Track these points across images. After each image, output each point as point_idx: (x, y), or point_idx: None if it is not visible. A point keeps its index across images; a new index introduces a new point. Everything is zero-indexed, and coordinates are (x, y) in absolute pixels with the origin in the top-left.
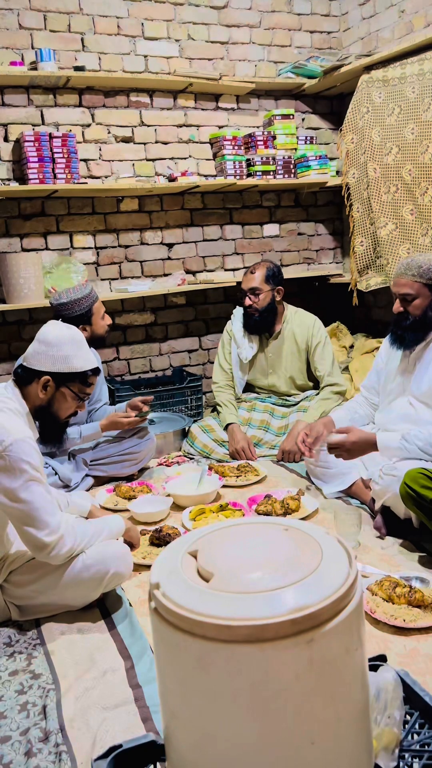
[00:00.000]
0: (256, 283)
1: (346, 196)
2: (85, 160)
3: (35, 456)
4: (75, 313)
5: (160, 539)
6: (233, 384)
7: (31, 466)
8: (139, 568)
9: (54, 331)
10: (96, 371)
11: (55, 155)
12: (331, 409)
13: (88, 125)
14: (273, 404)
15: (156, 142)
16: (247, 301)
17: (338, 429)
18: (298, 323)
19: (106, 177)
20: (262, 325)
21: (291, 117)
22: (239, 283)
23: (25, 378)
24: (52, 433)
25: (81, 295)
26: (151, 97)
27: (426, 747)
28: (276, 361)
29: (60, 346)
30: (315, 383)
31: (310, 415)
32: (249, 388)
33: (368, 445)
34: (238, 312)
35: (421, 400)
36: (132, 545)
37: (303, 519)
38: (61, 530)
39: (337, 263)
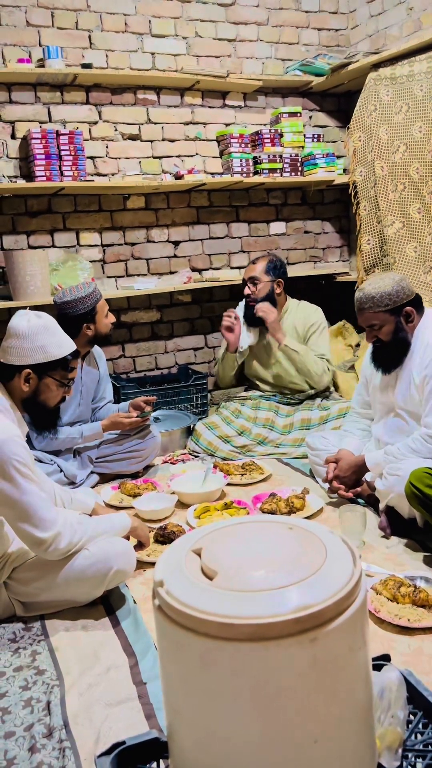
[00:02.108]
0: (256, 273)
1: (353, 194)
2: (91, 158)
3: (24, 454)
4: (78, 312)
5: (165, 537)
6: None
7: (21, 463)
8: (143, 565)
9: (24, 322)
10: (75, 354)
11: (62, 153)
12: (310, 360)
13: (95, 123)
14: (278, 402)
15: (163, 139)
16: (246, 291)
17: (327, 459)
18: (300, 313)
19: (112, 174)
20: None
21: (298, 115)
22: (245, 281)
23: (5, 374)
24: (44, 422)
25: (85, 293)
26: (158, 94)
27: (429, 747)
28: (278, 352)
29: (34, 337)
30: None
31: (291, 341)
32: (254, 386)
33: (360, 467)
34: (242, 303)
35: (409, 411)
36: (141, 544)
37: (307, 518)
38: (58, 526)
39: (343, 261)
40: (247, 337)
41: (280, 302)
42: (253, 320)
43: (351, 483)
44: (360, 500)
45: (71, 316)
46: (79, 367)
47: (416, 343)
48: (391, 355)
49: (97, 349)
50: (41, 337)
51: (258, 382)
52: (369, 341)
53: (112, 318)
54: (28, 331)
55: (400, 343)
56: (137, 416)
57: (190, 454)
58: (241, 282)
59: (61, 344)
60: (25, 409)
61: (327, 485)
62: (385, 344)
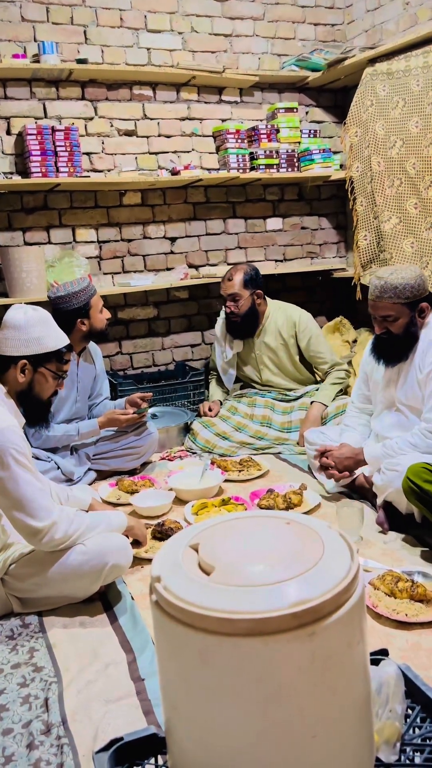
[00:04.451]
0: (236, 289)
1: (349, 189)
2: (87, 154)
3: (21, 443)
4: (73, 307)
5: (163, 533)
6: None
7: (18, 453)
8: (141, 561)
9: (20, 314)
10: (70, 347)
11: (58, 148)
12: (335, 390)
13: (91, 118)
14: (273, 399)
15: (159, 135)
16: (228, 309)
17: (326, 448)
18: (282, 317)
19: (108, 170)
20: (246, 329)
21: (294, 110)
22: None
23: (0, 366)
24: (37, 414)
25: (78, 288)
26: (154, 90)
27: (427, 741)
28: (263, 357)
29: (29, 329)
30: (315, 375)
31: (324, 395)
32: (249, 385)
33: (359, 461)
34: (220, 320)
35: (410, 406)
36: (138, 543)
37: (305, 514)
38: (54, 516)
39: (340, 257)
40: (228, 348)
41: (262, 311)
42: (237, 334)
43: (342, 467)
44: (354, 495)
45: (65, 311)
46: (75, 364)
47: (422, 339)
48: (396, 348)
49: (93, 346)
50: (37, 329)
51: (251, 382)
52: (378, 332)
53: (107, 313)
54: (24, 322)
55: (409, 338)
56: (134, 413)
57: (188, 450)
58: None
59: (57, 336)
60: (20, 402)
61: (322, 476)
62: (393, 337)
